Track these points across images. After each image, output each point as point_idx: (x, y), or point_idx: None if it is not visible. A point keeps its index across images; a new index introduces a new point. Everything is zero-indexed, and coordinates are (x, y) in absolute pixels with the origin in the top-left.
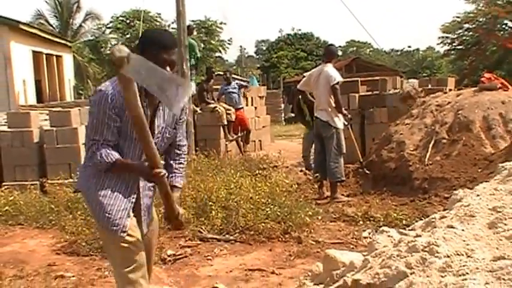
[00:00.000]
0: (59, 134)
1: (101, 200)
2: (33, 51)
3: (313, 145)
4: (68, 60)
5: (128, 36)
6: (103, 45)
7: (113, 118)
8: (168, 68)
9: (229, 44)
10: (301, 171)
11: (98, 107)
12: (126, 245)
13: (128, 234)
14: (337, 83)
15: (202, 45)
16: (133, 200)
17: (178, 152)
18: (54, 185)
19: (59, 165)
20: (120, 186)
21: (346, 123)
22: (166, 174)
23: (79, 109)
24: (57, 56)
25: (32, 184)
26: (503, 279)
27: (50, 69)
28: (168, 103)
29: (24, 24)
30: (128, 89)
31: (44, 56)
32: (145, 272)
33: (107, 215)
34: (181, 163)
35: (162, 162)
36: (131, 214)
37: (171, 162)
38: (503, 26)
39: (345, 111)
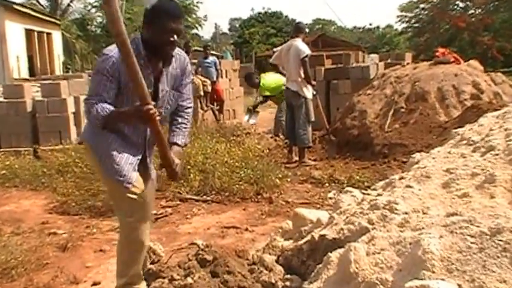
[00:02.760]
0: (49, 104)
1: (111, 153)
2: (26, 29)
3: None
4: (57, 37)
5: None
6: (89, 23)
7: (110, 80)
8: (175, 36)
9: (204, 20)
10: (271, 137)
11: (98, 68)
12: (132, 195)
13: (134, 186)
14: (306, 56)
15: None
16: (140, 157)
17: (181, 113)
18: (46, 150)
19: (50, 132)
20: (128, 146)
21: (314, 93)
22: (157, 114)
23: (68, 82)
24: (48, 34)
25: (25, 150)
26: (456, 232)
27: (41, 45)
28: None
29: (17, 4)
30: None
31: (36, 33)
32: (147, 224)
33: (115, 166)
34: (182, 123)
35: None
36: (136, 168)
37: (176, 118)
38: (455, 6)
39: (313, 82)
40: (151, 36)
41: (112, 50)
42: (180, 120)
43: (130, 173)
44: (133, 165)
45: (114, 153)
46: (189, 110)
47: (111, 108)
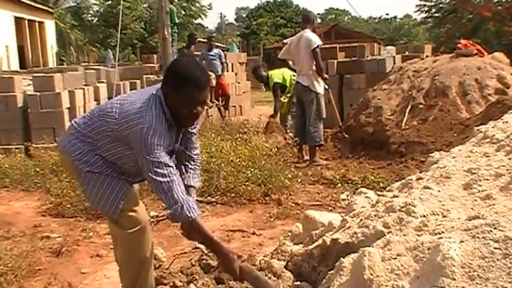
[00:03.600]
0: (42, 98)
1: (100, 186)
2: (15, 17)
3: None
4: (50, 27)
5: (109, 2)
6: (85, 12)
7: (165, 149)
8: (199, 108)
9: (209, 9)
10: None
11: (153, 146)
12: (128, 212)
13: (127, 203)
14: (318, 46)
15: (183, 12)
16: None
17: (193, 156)
18: (39, 148)
19: (43, 129)
20: (118, 180)
21: (326, 87)
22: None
23: (62, 74)
24: (39, 22)
25: (16, 148)
26: (478, 237)
27: (32, 35)
28: None
29: None
30: None
31: (26, 22)
32: (149, 234)
33: (105, 198)
34: (196, 166)
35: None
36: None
37: (187, 163)
38: None
39: (326, 75)
40: (175, 104)
41: (145, 117)
42: (192, 164)
43: (119, 200)
44: (124, 190)
45: (103, 188)
46: (199, 156)
47: (198, 211)
